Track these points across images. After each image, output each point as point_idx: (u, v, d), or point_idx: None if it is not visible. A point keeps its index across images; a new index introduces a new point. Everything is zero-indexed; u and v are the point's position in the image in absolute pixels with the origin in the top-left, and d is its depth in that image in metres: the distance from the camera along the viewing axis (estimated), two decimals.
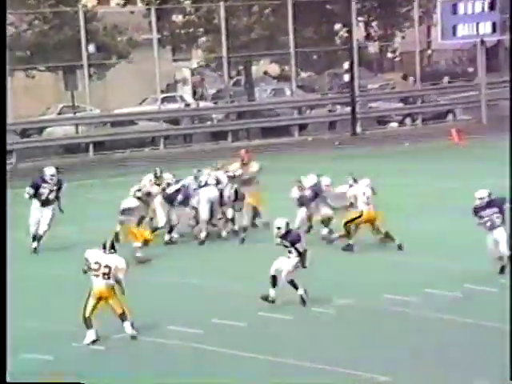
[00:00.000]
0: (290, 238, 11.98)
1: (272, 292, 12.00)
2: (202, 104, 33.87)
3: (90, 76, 29.47)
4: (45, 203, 15.81)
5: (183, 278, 13.74)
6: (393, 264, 13.92)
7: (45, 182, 15.95)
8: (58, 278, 14.08)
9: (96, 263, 11.00)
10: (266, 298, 12.01)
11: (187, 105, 33.58)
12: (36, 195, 15.83)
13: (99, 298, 10.98)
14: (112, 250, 11.12)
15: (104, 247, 11.14)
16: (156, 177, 16.19)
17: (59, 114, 32.00)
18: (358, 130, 31.25)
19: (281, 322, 11.63)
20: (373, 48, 39.00)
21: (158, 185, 15.97)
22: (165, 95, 33.15)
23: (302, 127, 31.79)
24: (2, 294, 9.34)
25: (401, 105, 33.41)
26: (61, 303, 12.74)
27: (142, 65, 31.75)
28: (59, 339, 11.22)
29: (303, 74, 38.71)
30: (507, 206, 13.17)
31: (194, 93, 37.73)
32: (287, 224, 12.12)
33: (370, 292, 12.48)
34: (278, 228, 12.02)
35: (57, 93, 34.18)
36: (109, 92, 34.37)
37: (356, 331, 11.21)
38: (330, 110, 32.61)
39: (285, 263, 12.03)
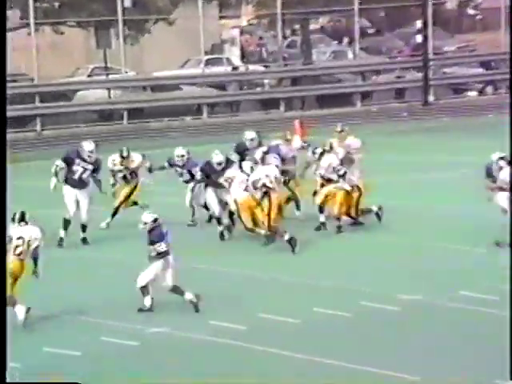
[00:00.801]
0: (151, 237, 11.81)
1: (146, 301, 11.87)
2: (251, 68, 33.77)
3: (125, 34, 29.46)
4: (76, 184, 15.11)
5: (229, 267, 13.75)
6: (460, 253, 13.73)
7: (80, 158, 15.21)
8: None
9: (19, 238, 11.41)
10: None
11: (234, 68, 33.51)
12: (66, 172, 15.20)
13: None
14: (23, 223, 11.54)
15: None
16: (122, 157, 15.98)
17: (90, 75, 32.14)
18: (431, 98, 30.87)
19: (338, 319, 11.53)
20: (450, 4, 38.39)
21: (126, 168, 15.91)
22: (209, 57, 33.10)
23: (366, 95, 31.52)
24: (2, 293, 9.62)
25: (481, 70, 32.86)
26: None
27: (183, 22, 31.71)
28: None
29: (368, 34, 38.31)
30: None
31: (243, 55, 37.64)
32: (155, 220, 11.91)
33: (440, 287, 12.31)
34: (144, 223, 11.91)
35: (87, 52, 34.33)
36: (146, 52, 34.41)
37: (423, 331, 11.06)
38: (398, 76, 32.26)
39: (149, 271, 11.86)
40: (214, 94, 30.93)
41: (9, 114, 27.81)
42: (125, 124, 28.96)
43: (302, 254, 14.34)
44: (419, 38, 31.68)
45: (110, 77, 30.60)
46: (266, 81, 32.17)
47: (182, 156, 15.98)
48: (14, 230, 11.51)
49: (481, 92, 32.11)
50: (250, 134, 16.45)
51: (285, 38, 34.13)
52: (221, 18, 38.42)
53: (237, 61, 35.51)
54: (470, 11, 39.93)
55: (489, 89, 32.08)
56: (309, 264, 13.92)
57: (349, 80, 31.83)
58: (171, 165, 16.18)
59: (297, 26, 35.99)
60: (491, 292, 11.94)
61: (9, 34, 30.66)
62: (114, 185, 15.93)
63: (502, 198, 13.70)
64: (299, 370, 10.08)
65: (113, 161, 16.05)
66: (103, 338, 11.01)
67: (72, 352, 10.56)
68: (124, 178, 16.05)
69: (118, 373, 10.16)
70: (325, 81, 31.74)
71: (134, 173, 15.99)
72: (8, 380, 9.29)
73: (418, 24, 32.12)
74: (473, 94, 32.05)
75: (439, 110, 30.05)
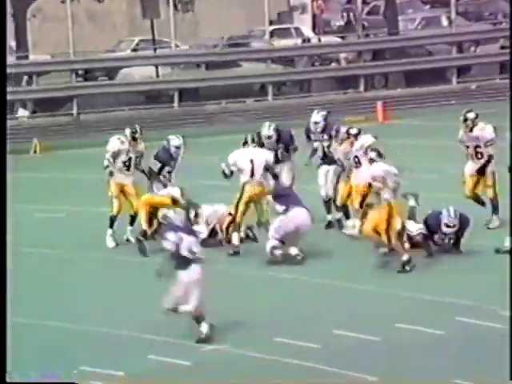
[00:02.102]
0: None
1: None
2: (324, 40, 33.81)
3: (175, 1, 29.71)
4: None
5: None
6: None
7: (172, 157, 15.79)
8: None
9: None
10: None
11: (305, 40, 33.57)
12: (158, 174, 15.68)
13: None
14: None
15: None
16: (134, 137, 15.68)
17: (134, 50, 32.48)
18: None
19: (427, 336, 11.57)
20: None
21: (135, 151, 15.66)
22: (275, 27, 33.20)
23: (464, 70, 31.33)
24: (1, 294, 10.06)
25: None
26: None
27: None
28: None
29: None
30: None
31: (315, 24, 37.70)
32: None
33: None
34: None
35: (131, 22, 34.68)
36: (201, 23, 34.67)
37: None
38: (502, 47, 31.96)
39: None
40: (281, 71, 31.02)
41: (40, 95, 28.70)
42: (176, 107, 29.18)
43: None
44: None
45: (158, 51, 30.88)
46: (342, 55, 32.15)
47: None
48: None
49: None
50: (315, 116, 16.55)
51: (365, 2, 34.06)
52: None
53: (308, 32, 35.58)
54: None
55: None
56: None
57: (443, 52, 31.67)
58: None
59: None
60: None
61: (41, 2, 31.32)
62: (111, 173, 15.57)
63: None
64: None
65: (118, 139, 15.65)
66: (152, 357, 11.22)
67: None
68: (127, 165, 15.62)
69: None
70: (413, 54, 31.63)
71: (139, 159, 15.86)
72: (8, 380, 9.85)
73: None
74: None
75: None
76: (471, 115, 15.94)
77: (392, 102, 28.10)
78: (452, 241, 14.64)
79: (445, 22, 33.11)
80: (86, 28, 31.09)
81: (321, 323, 12.06)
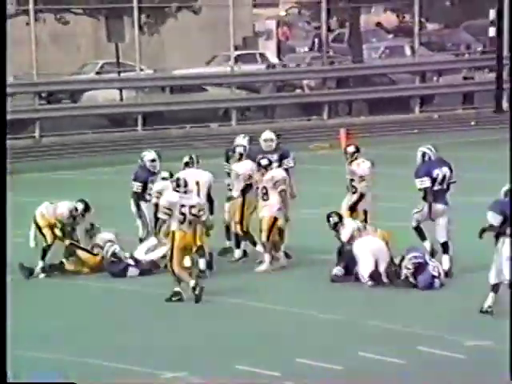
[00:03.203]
0: None
1: None
2: (290, 66, 33.91)
3: (141, 24, 29.71)
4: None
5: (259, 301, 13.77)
6: None
7: (150, 173, 15.87)
8: None
9: None
10: None
11: (270, 66, 33.65)
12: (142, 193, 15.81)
13: None
14: None
15: None
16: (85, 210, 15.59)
17: (99, 73, 32.43)
18: (505, 105, 30.79)
19: (388, 366, 11.54)
20: None
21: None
22: (240, 52, 33.27)
23: (426, 100, 31.52)
24: (1, 293, 10.13)
25: None
26: None
27: (210, 11, 31.94)
28: None
29: (430, 27, 38.37)
30: None
31: (280, 50, 37.81)
32: None
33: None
34: None
35: (96, 45, 34.64)
36: (166, 47, 34.67)
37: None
38: (465, 77, 32.23)
39: None
40: (245, 96, 31.05)
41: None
42: (140, 131, 29.13)
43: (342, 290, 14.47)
44: (492, 32, 31.63)
45: (123, 75, 30.84)
46: (306, 82, 32.24)
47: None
48: None
49: None
50: (239, 140, 16.39)
51: (330, 30, 34.21)
52: (255, 6, 38.67)
53: (273, 57, 35.67)
54: None
55: None
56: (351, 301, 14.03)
57: (406, 81, 31.84)
58: None
59: (345, 17, 36.08)
60: None
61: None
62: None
63: None
64: None
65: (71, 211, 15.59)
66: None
67: None
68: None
69: None
70: (377, 82, 31.78)
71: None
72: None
73: (492, 14, 32.06)
74: None
75: None
76: (351, 149, 15.99)
77: (355, 130, 28.17)
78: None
79: (408, 52, 33.31)
80: (50, 50, 31.03)
81: (283, 351, 12.00)
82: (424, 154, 15.12)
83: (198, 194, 14.99)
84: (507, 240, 13.01)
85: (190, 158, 15.54)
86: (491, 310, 13.07)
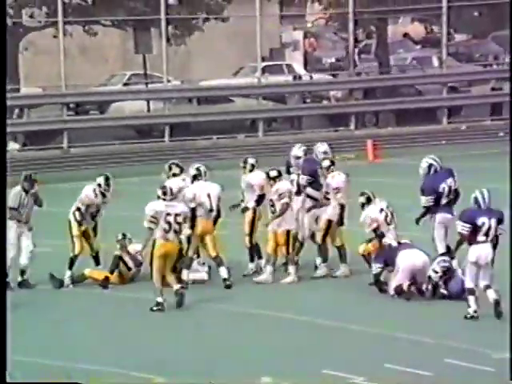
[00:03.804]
0: None
1: None
2: (316, 77, 33.90)
3: (168, 36, 29.78)
4: None
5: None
6: None
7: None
8: None
9: None
10: None
11: (297, 77, 33.67)
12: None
13: None
14: None
15: None
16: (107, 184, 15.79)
17: (126, 84, 32.54)
18: None
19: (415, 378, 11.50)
20: None
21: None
22: (267, 64, 33.32)
23: (454, 111, 31.44)
24: (2, 294, 10.37)
25: None
26: None
27: (237, 22, 31.99)
28: None
29: (458, 38, 38.29)
30: None
31: (307, 61, 37.82)
32: None
33: None
34: None
35: (124, 56, 34.77)
36: (193, 58, 34.76)
37: None
38: (493, 88, 32.13)
39: None
40: (272, 107, 31.08)
41: (31, 128, 28.67)
42: (167, 142, 29.18)
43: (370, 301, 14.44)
44: None
45: (150, 86, 30.93)
46: (333, 93, 32.24)
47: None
48: None
49: None
50: (295, 151, 16.43)
51: (357, 41, 34.18)
52: (282, 17, 38.69)
53: (299, 69, 35.67)
54: None
55: None
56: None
57: (433, 92, 31.78)
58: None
59: (372, 28, 36.05)
60: None
61: (33, 35, 31.40)
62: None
63: None
64: None
65: (94, 191, 15.68)
66: None
67: None
68: (94, 215, 15.80)
69: None
70: (404, 93, 31.74)
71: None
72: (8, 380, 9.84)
73: None
74: None
75: None
76: (326, 163, 15.96)
77: (382, 141, 28.14)
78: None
79: (436, 62, 33.24)
80: (78, 62, 31.14)
81: (309, 362, 12.00)
82: (430, 166, 15.14)
83: (211, 207, 15.08)
84: (473, 247, 13.35)
85: (198, 170, 15.46)
86: (476, 314, 13.35)
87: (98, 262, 15.82)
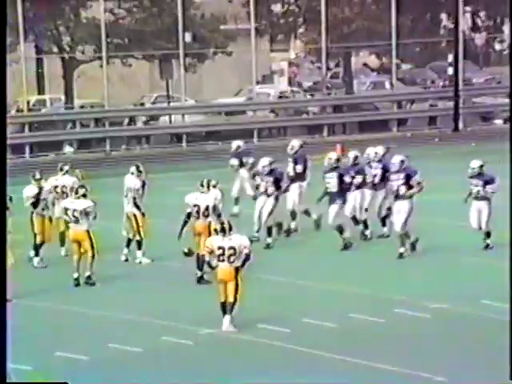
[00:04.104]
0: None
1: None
2: (297, 96, 33.86)
3: (186, 65, 29.79)
4: None
5: (275, 275, 13.86)
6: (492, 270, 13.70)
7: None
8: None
9: (220, 248, 11.12)
10: None
11: (283, 96, 33.60)
12: None
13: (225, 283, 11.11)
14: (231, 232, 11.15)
15: (223, 231, 11.18)
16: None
17: (154, 103, 32.50)
18: (461, 126, 30.73)
19: (371, 324, 11.60)
20: (479, 40, 38.23)
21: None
22: (261, 86, 33.26)
23: (402, 122, 31.45)
24: (1, 293, 8.95)
25: (507, 101, 32.62)
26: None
27: (238, 55, 31.96)
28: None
29: (404, 67, 38.26)
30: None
31: (290, 84, 37.74)
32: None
33: (465, 297, 12.33)
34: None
35: (152, 82, 34.74)
36: (204, 82, 34.71)
37: (447, 337, 11.09)
38: (431, 105, 32.15)
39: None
40: (264, 119, 31.09)
41: (82, 136, 28.72)
42: (184, 147, 29.18)
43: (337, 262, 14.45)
44: (451, 71, 31.56)
45: (172, 104, 30.93)
46: (310, 108, 32.25)
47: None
48: (217, 240, 11.18)
49: (506, 120, 31.88)
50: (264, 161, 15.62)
51: (329, 69, 34.17)
52: (271, 51, 38.66)
53: (285, 90, 35.59)
54: (497, 46, 39.69)
55: None
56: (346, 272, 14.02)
57: (386, 108, 31.79)
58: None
59: (340, 59, 36.04)
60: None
61: (84, 66, 31.48)
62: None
63: None
64: (335, 370, 10.19)
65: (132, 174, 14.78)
66: (163, 338, 11.21)
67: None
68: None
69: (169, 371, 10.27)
70: (364, 108, 31.75)
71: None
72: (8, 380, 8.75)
73: (450, 58, 32.00)
74: (499, 121, 31.83)
75: (468, 136, 29.90)
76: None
77: (348, 145, 28.15)
78: None
79: (388, 85, 33.25)
80: (118, 86, 31.10)
81: (291, 312, 11.97)
82: (403, 161, 14.92)
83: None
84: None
85: (202, 185, 13.96)
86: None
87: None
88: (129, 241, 14.80)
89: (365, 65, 40.38)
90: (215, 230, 11.54)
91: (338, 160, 15.69)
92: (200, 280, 13.33)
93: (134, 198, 14.71)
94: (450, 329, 11.47)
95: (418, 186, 14.43)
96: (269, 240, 15.24)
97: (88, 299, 12.94)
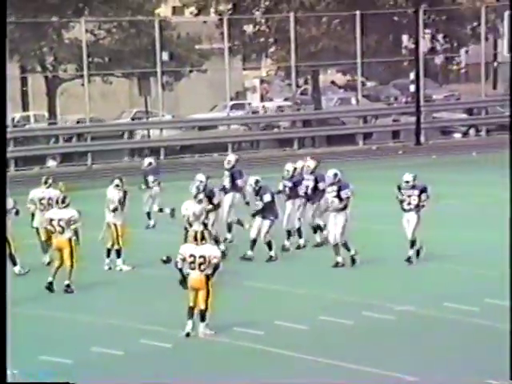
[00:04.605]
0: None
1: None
2: (269, 111, 33.94)
3: (163, 83, 29.77)
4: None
5: (249, 280, 13.82)
6: (449, 273, 13.78)
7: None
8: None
9: (191, 256, 11.03)
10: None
11: (254, 112, 33.68)
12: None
13: (196, 290, 11.00)
14: (203, 242, 11.16)
15: (196, 240, 11.20)
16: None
17: (133, 118, 32.43)
18: (422, 139, 30.94)
19: (341, 326, 11.61)
20: (438, 60, 38.59)
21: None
22: (234, 102, 33.31)
23: (367, 136, 31.60)
24: (1, 292, 8.68)
25: (465, 116, 32.95)
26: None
27: (212, 73, 32.01)
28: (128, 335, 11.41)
29: (369, 84, 38.48)
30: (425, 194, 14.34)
31: (262, 100, 37.81)
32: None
33: (429, 300, 12.38)
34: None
35: (131, 98, 34.68)
36: (181, 98, 34.70)
37: (414, 338, 11.13)
38: (394, 120, 32.37)
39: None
40: (238, 133, 31.12)
41: (64, 150, 28.57)
42: (161, 159, 29.11)
43: (308, 268, 14.43)
44: (412, 88, 31.82)
45: (150, 119, 30.88)
46: (281, 123, 32.32)
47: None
48: (190, 248, 11.08)
49: (465, 134, 32.21)
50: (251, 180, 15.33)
51: (298, 86, 34.29)
52: (244, 69, 38.76)
53: (257, 105, 35.67)
54: (455, 67, 40.12)
55: (471, 131, 32.17)
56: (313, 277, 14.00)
57: (353, 123, 31.95)
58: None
59: (308, 77, 36.20)
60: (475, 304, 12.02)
61: (67, 84, 31.41)
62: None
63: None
64: (308, 370, 10.19)
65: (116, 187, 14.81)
66: (143, 341, 11.15)
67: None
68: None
69: (152, 371, 10.27)
70: (332, 123, 31.87)
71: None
72: (8, 380, 8.52)
73: (412, 76, 32.27)
74: (458, 135, 32.14)
75: (429, 149, 30.12)
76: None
77: (317, 157, 28.20)
78: None
79: (354, 101, 33.41)
80: (99, 103, 31.03)
81: (265, 314, 11.97)
82: (336, 174, 14.63)
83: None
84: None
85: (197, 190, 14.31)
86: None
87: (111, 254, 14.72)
88: (108, 251, 14.76)
89: (332, 82, 40.57)
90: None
91: (295, 170, 15.70)
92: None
93: (115, 209, 14.65)
94: (416, 329, 11.51)
95: (346, 199, 14.33)
96: (271, 253, 15.02)
97: (71, 305, 12.85)
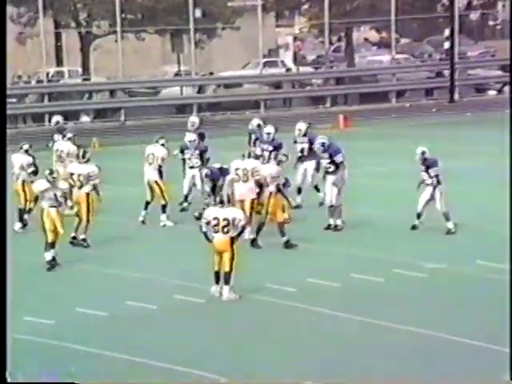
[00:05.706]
0: None
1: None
2: (302, 69, 33.66)
3: (196, 40, 29.58)
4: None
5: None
6: (483, 232, 13.65)
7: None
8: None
9: (215, 219, 10.94)
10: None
11: (288, 70, 33.42)
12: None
13: (220, 252, 10.88)
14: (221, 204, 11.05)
15: (222, 203, 11.12)
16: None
17: (165, 75, 32.29)
18: (456, 97, 30.53)
19: (372, 284, 11.57)
20: (474, 15, 37.90)
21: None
22: (267, 60, 33.05)
23: (400, 93, 31.25)
24: (2, 291, 8.40)
25: (500, 73, 32.38)
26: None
27: (245, 30, 31.73)
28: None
29: (403, 41, 37.95)
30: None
31: (295, 58, 37.52)
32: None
33: (461, 258, 12.29)
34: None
35: (164, 55, 34.57)
36: (213, 56, 34.52)
37: (445, 295, 11.07)
38: (428, 77, 31.92)
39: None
40: (270, 91, 30.91)
41: (98, 106, 28.61)
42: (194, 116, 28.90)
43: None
44: (447, 45, 31.30)
45: (183, 76, 30.74)
46: (314, 80, 32.05)
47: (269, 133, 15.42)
48: (213, 211, 10.96)
49: (499, 91, 31.68)
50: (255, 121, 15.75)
51: (331, 43, 33.92)
52: (277, 26, 38.38)
53: (290, 63, 35.43)
54: (491, 22, 39.37)
55: (506, 88, 31.60)
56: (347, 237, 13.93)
57: (386, 80, 31.59)
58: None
59: (342, 34, 35.77)
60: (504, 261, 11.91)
61: (100, 40, 31.33)
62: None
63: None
64: (339, 327, 10.17)
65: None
66: (177, 296, 11.19)
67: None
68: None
69: (182, 326, 10.26)
70: (365, 80, 31.54)
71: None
72: (8, 380, 8.14)
73: (446, 32, 31.73)
74: (492, 92, 31.64)
75: (463, 106, 29.72)
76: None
77: (350, 115, 28.05)
78: None
79: (387, 59, 32.97)
80: (131, 59, 30.93)
81: (297, 274, 11.91)
82: (323, 143, 14.05)
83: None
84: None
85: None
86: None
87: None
88: (147, 204, 14.63)
89: (366, 39, 40.09)
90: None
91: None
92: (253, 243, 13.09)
93: (160, 166, 14.47)
94: (448, 287, 11.43)
95: (340, 164, 13.93)
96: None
97: (106, 259, 12.92)
